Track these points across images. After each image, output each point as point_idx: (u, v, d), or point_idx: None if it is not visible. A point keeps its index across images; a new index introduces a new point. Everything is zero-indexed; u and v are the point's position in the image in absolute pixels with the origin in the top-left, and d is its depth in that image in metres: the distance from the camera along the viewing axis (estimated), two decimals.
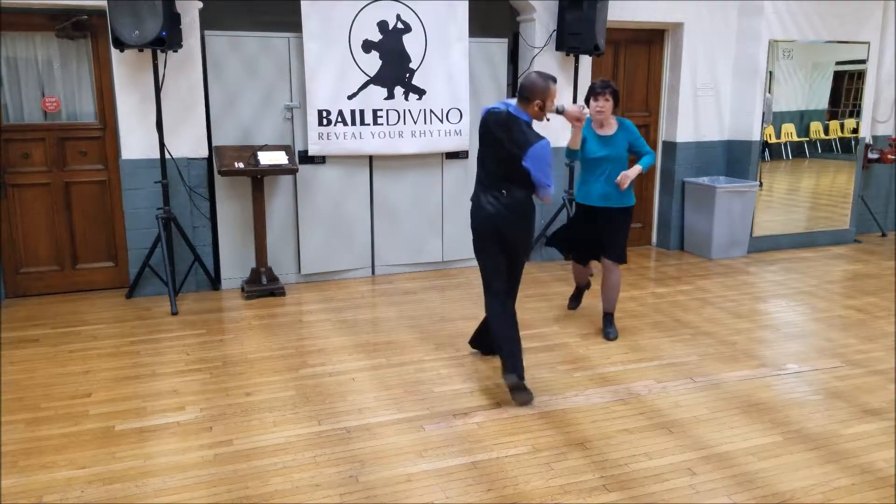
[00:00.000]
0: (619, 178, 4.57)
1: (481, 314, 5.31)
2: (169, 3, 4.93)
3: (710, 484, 3.10)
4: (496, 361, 4.43)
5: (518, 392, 3.80)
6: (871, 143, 7.87)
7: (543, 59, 6.47)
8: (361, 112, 5.87)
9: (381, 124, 5.95)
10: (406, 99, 5.99)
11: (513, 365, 3.80)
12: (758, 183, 7.22)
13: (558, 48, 6.37)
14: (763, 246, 7.39)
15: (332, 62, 5.70)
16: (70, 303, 5.49)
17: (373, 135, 5.94)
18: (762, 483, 3.11)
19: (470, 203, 4.13)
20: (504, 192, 3.87)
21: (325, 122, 5.77)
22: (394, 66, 5.90)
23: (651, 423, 3.64)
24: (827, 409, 3.83)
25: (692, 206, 7.19)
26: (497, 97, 6.42)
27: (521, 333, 4.87)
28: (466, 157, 6.38)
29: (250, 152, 5.50)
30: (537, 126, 3.83)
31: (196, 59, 5.48)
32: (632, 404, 3.84)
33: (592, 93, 4.62)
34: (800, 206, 7.70)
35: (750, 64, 7.05)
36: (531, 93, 3.74)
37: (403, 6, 5.85)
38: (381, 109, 5.93)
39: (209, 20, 5.80)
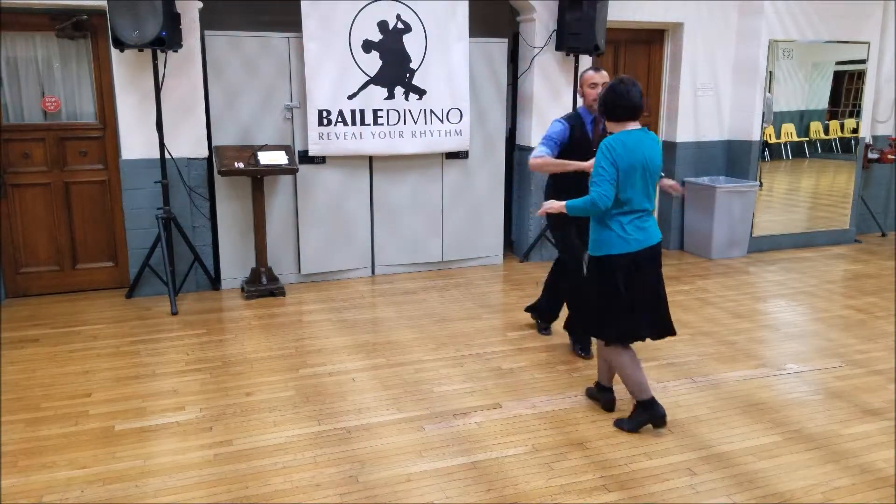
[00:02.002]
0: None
1: (481, 313, 5.33)
2: (169, 3, 4.93)
3: (710, 484, 3.10)
4: (495, 361, 4.44)
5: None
6: (871, 143, 7.87)
7: (543, 59, 6.47)
8: (362, 112, 5.87)
9: (382, 124, 5.95)
10: (406, 99, 5.99)
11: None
12: (758, 183, 7.22)
13: (558, 48, 6.37)
14: (763, 246, 7.39)
15: (332, 62, 5.70)
16: (70, 303, 5.49)
17: (373, 135, 5.94)
18: (762, 483, 3.11)
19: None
20: None
21: (325, 122, 5.77)
22: (394, 66, 5.90)
23: None
24: (827, 409, 3.83)
25: (692, 206, 7.19)
26: (497, 97, 6.43)
27: (521, 333, 4.90)
28: (466, 157, 6.38)
29: (250, 152, 5.50)
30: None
31: (196, 59, 5.48)
32: (632, 404, 3.84)
33: None
34: (800, 206, 7.70)
35: (750, 64, 7.05)
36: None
37: (403, 6, 5.85)
38: (381, 109, 5.93)
39: (209, 20, 5.81)
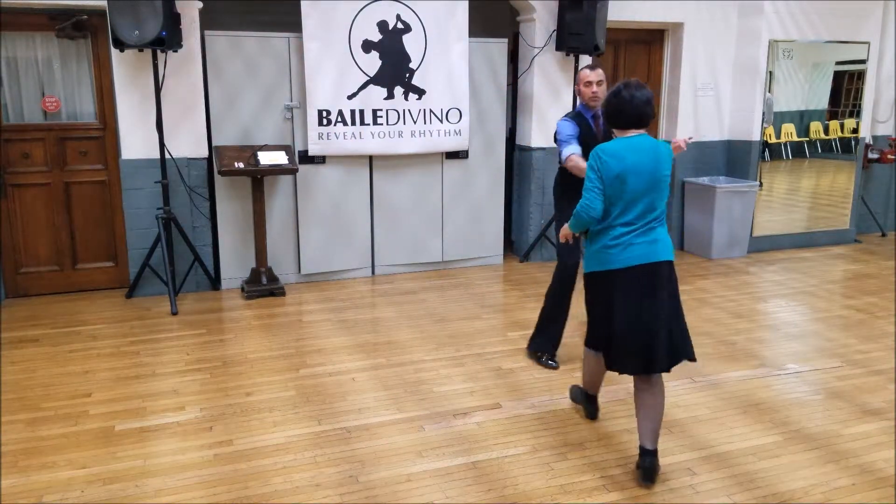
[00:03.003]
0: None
1: (481, 313, 5.33)
2: (169, 3, 4.93)
3: (710, 484, 3.10)
4: (495, 361, 4.43)
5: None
6: (871, 143, 7.87)
7: (543, 59, 6.47)
8: (361, 112, 5.87)
9: (381, 124, 5.95)
10: (406, 99, 5.99)
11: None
12: (758, 183, 7.22)
13: (558, 48, 6.37)
14: (763, 246, 7.39)
15: (332, 62, 5.70)
16: (70, 303, 5.49)
17: (373, 135, 5.94)
18: (762, 483, 3.11)
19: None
20: None
21: (325, 121, 5.77)
22: (394, 66, 5.90)
23: None
24: (827, 409, 3.83)
25: (692, 206, 7.20)
26: (497, 97, 6.43)
27: (521, 333, 4.90)
28: (466, 156, 6.38)
29: (250, 152, 5.50)
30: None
31: (196, 59, 5.48)
32: (631, 404, 3.83)
33: None
34: (800, 206, 7.70)
35: (750, 64, 7.05)
36: None
37: (403, 6, 5.85)
38: (380, 109, 5.93)
39: (209, 20, 5.81)
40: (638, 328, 3.08)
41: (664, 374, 3.18)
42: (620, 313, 3.10)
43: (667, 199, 3.17)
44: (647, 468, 3.08)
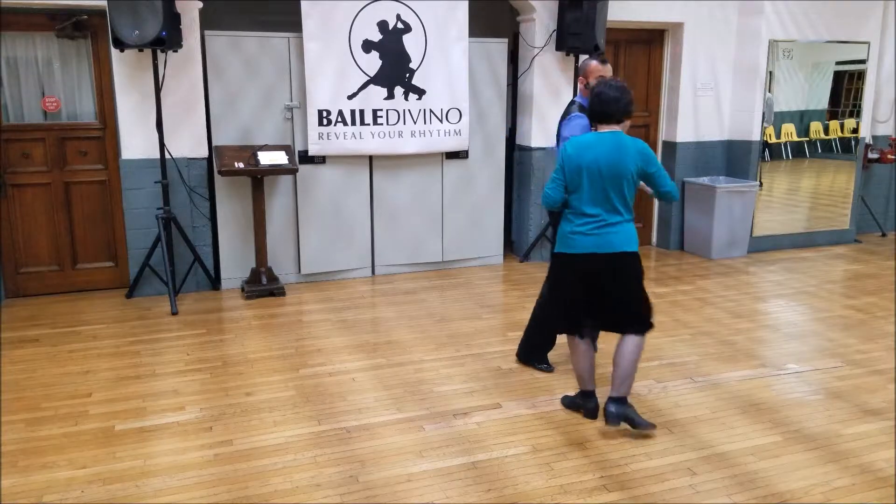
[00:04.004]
0: None
1: (481, 313, 5.33)
2: (169, 3, 4.93)
3: (710, 484, 3.10)
4: (495, 361, 4.43)
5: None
6: (871, 143, 7.87)
7: (543, 59, 6.47)
8: (361, 112, 5.87)
9: (381, 124, 5.95)
10: (406, 99, 5.99)
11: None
12: (758, 183, 7.22)
13: (558, 48, 6.37)
14: (763, 246, 7.39)
15: (332, 62, 5.70)
16: (70, 303, 5.49)
17: (373, 135, 5.94)
18: (762, 483, 3.11)
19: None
20: None
21: (325, 121, 5.77)
22: (394, 66, 5.90)
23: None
24: (827, 409, 3.83)
25: (692, 206, 7.20)
26: (497, 97, 6.43)
27: (521, 334, 4.88)
28: (466, 156, 6.38)
29: (250, 152, 5.50)
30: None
31: (196, 59, 5.48)
32: (635, 403, 3.84)
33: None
34: (800, 206, 7.70)
35: (750, 64, 7.05)
36: (581, 74, 4.08)
37: (403, 6, 5.85)
38: (380, 109, 5.93)
39: (209, 20, 5.81)
40: (595, 304, 3.49)
41: None
42: (574, 294, 3.50)
43: (632, 194, 3.41)
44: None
